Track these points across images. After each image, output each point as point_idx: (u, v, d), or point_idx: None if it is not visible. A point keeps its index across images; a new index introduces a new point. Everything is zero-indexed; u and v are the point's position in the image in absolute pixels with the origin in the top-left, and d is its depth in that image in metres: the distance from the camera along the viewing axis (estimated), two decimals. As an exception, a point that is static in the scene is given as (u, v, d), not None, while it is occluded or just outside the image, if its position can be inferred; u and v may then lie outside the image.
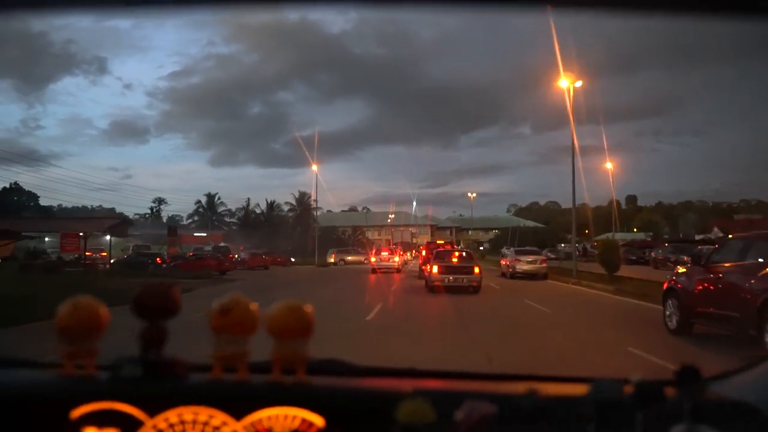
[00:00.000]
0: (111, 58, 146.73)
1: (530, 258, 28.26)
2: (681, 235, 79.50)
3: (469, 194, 76.06)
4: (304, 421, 1.13)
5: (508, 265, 28.89)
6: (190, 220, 77.06)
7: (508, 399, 1.06)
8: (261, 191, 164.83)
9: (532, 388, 1.06)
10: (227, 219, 76.81)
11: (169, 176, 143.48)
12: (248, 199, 77.80)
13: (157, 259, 35.42)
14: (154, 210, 79.45)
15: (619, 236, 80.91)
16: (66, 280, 24.63)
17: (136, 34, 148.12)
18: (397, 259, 35.19)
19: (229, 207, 77.19)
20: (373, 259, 35.55)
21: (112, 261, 35.46)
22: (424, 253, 27.82)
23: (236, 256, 45.17)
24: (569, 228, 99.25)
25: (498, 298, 18.70)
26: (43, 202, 65.68)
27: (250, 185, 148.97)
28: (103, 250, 43.13)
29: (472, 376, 1.45)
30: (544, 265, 28.24)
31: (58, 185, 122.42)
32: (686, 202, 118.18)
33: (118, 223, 35.49)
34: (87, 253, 40.64)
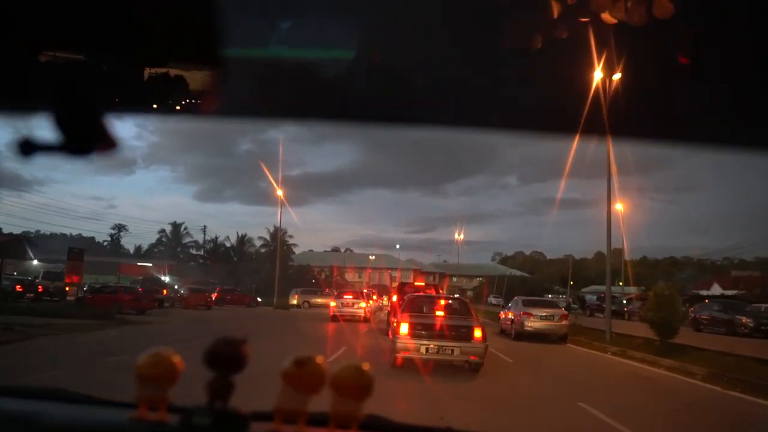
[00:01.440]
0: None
1: (545, 312, 19.15)
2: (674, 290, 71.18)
3: (456, 236, 66.63)
4: None
5: (512, 321, 19.81)
6: (155, 250, 67.40)
7: None
8: (245, 228, 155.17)
9: None
10: (193, 251, 67.18)
11: (154, 208, 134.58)
12: (204, 227, 67.28)
13: (17, 286, 26.20)
14: (114, 237, 69.83)
15: (599, 288, 72.80)
16: None
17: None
18: (363, 305, 25.96)
19: (195, 238, 67.63)
20: (332, 304, 26.34)
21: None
22: (395, 299, 18.48)
23: (181, 291, 35.92)
24: (555, 279, 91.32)
25: (524, 392, 9.63)
26: (21, 228, 57.46)
27: (235, 222, 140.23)
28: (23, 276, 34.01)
29: None
30: (565, 323, 19.19)
31: (38, 213, 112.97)
32: (671, 257, 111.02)
33: (5, 242, 26.16)
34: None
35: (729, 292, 52.79)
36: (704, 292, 59.42)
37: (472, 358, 10.75)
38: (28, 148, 0.72)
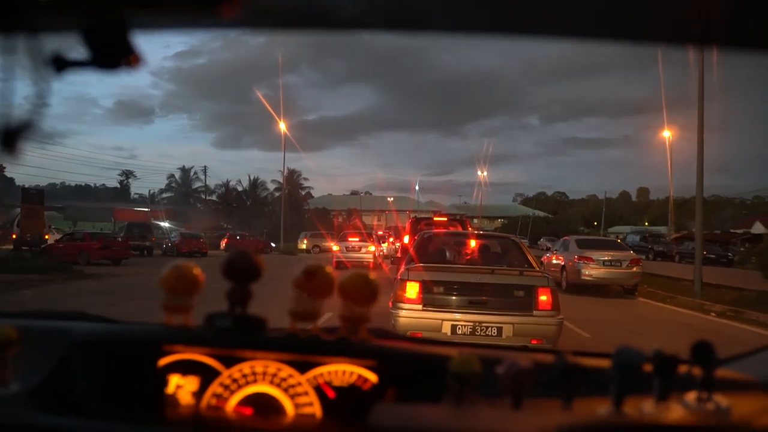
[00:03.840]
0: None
1: (609, 255, 13.88)
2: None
3: (479, 172, 60.67)
4: (360, 376, 1.18)
5: (563, 267, 14.65)
6: (164, 196, 62.90)
7: (541, 362, 1.08)
8: (265, 174, 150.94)
9: (563, 355, 1.03)
10: (205, 197, 62.47)
11: (174, 156, 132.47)
12: (204, 167, 61.50)
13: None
14: (124, 183, 65.27)
15: (625, 229, 67.07)
16: None
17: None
18: (372, 249, 21.01)
19: (207, 183, 62.83)
20: (335, 248, 21.39)
21: None
22: (407, 240, 13.32)
23: (170, 237, 31.39)
24: (579, 220, 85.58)
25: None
26: (48, 180, 55.31)
27: (255, 168, 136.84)
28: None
29: (507, 348, 1.58)
30: (636, 270, 13.93)
31: (65, 163, 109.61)
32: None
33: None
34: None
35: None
36: (745, 231, 54.11)
37: (533, 342, 5.71)
38: (59, 64, 0.72)
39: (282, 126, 38.55)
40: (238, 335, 1.19)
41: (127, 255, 22.13)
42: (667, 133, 35.42)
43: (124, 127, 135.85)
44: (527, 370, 0.97)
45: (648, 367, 0.95)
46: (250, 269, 1.19)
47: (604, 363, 1.05)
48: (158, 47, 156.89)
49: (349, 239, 21.41)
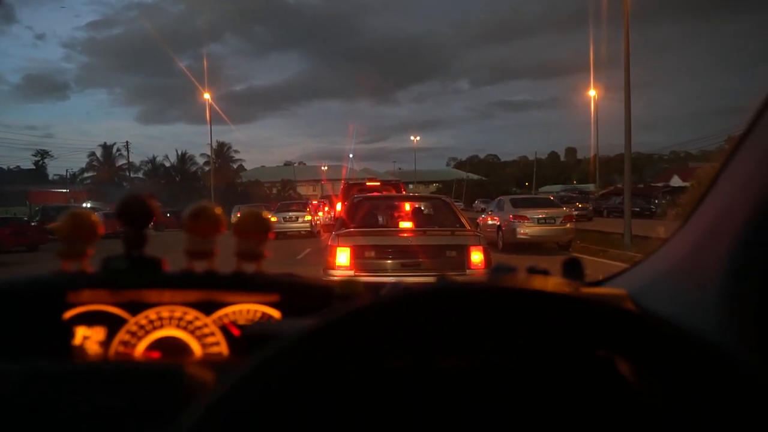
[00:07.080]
0: (18, 5, 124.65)
1: (544, 213, 13.94)
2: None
3: (412, 138, 60.89)
4: (264, 314, 1.20)
5: (498, 227, 14.67)
6: (86, 175, 59.68)
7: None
8: (194, 149, 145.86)
9: (445, 276, 1.04)
10: (131, 174, 59.65)
11: (95, 134, 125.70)
12: (127, 143, 58.68)
13: None
14: (39, 164, 61.23)
15: (555, 188, 69.32)
16: None
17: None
18: (308, 218, 20.93)
19: (131, 160, 59.97)
20: (273, 219, 21.03)
21: None
22: (339, 207, 12.94)
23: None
24: (511, 181, 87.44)
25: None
26: None
27: (183, 143, 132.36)
28: None
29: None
30: (570, 226, 14.14)
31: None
32: (621, 154, 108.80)
33: None
34: None
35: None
36: (664, 184, 56.68)
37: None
38: None
39: (207, 96, 36.80)
40: (135, 275, 1.19)
41: (44, 240, 20.67)
42: (592, 92, 36.35)
43: (37, 104, 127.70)
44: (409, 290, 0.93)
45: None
46: (144, 212, 1.19)
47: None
48: (68, 16, 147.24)
49: (286, 210, 21.15)
